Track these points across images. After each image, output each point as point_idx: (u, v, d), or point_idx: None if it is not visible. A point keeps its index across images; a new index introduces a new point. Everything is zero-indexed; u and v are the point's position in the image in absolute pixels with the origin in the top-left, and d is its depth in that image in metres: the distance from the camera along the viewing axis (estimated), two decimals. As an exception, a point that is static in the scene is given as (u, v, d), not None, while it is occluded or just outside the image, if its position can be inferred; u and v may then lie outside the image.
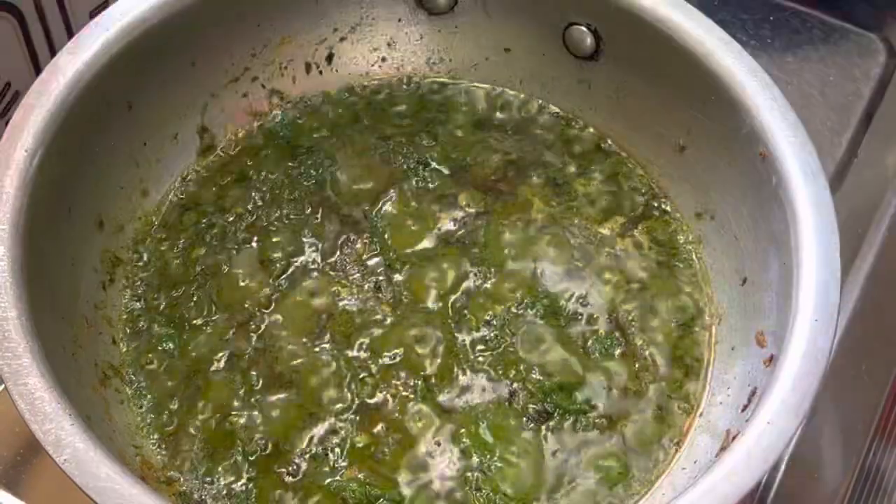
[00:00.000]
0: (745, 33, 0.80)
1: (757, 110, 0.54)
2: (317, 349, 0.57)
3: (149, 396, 0.56)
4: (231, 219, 0.63)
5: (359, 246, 0.62)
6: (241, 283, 0.60)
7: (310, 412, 0.55)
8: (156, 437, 0.54)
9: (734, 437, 0.47)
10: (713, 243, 0.61)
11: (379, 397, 0.56)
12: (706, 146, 0.60)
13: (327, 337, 0.58)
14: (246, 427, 0.54)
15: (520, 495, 0.53)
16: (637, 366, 0.57)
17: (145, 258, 0.61)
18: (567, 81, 0.67)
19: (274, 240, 0.62)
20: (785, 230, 0.51)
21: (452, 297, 0.59)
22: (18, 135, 0.51)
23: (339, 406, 0.55)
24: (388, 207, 0.63)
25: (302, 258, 0.61)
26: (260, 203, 0.63)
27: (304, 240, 0.62)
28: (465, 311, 0.59)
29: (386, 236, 0.62)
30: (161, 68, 0.60)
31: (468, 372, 0.57)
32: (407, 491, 0.53)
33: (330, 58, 0.69)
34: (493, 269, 0.60)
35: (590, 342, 0.58)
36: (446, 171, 0.65)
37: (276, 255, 0.61)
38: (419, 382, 0.56)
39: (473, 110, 0.69)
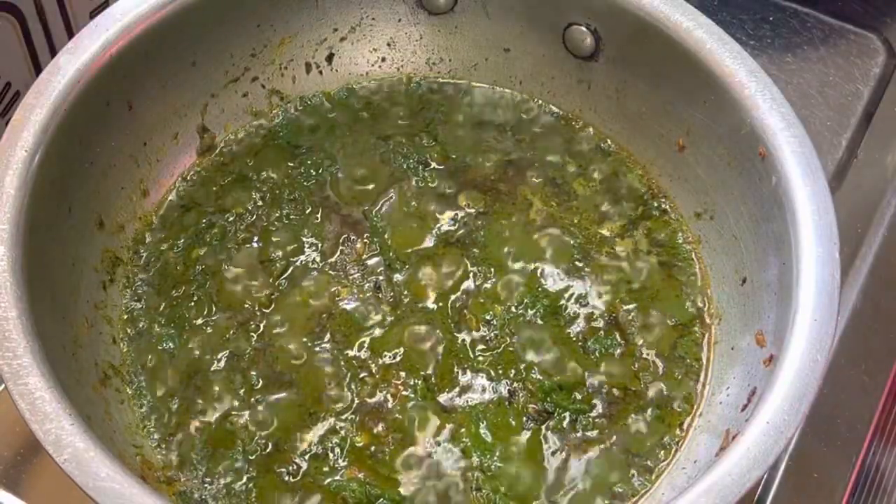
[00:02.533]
0: (745, 33, 0.80)
1: (757, 110, 0.54)
2: (317, 349, 0.57)
3: (149, 396, 0.56)
4: (231, 219, 0.63)
5: (359, 246, 0.62)
6: (241, 283, 0.60)
7: (310, 412, 0.55)
8: (156, 437, 0.54)
9: (734, 437, 0.47)
10: (713, 243, 0.61)
11: (379, 397, 0.56)
12: (706, 146, 0.60)
13: (327, 337, 0.58)
14: (246, 427, 0.54)
15: (519, 495, 0.53)
16: (637, 366, 0.57)
17: (145, 258, 0.61)
18: (567, 81, 0.67)
19: (274, 240, 0.62)
20: (785, 230, 0.51)
21: (452, 297, 0.59)
22: (18, 135, 0.51)
23: (339, 406, 0.55)
24: (388, 207, 0.63)
25: (302, 258, 0.61)
26: (260, 203, 0.63)
27: (304, 240, 0.62)
28: (465, 311, 0.59)
29: (386, 236, 0.62)
30: (161, 68, 0.60)
31: (468, 372, 0.57)
32: (407, 491, 0.53)
33: (330, 58, 0.69)
34: (493, 269, 0.60)
35: (590, 342, 0.58)
36: (446, 171, 0.65)
37: (276, 255, 0.61)
38: (419, 382, 0.56)
39: (473, 110, 0.69)
